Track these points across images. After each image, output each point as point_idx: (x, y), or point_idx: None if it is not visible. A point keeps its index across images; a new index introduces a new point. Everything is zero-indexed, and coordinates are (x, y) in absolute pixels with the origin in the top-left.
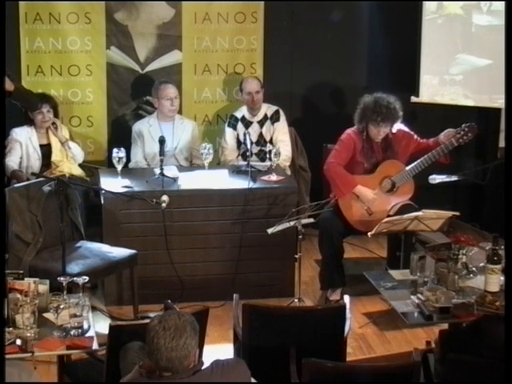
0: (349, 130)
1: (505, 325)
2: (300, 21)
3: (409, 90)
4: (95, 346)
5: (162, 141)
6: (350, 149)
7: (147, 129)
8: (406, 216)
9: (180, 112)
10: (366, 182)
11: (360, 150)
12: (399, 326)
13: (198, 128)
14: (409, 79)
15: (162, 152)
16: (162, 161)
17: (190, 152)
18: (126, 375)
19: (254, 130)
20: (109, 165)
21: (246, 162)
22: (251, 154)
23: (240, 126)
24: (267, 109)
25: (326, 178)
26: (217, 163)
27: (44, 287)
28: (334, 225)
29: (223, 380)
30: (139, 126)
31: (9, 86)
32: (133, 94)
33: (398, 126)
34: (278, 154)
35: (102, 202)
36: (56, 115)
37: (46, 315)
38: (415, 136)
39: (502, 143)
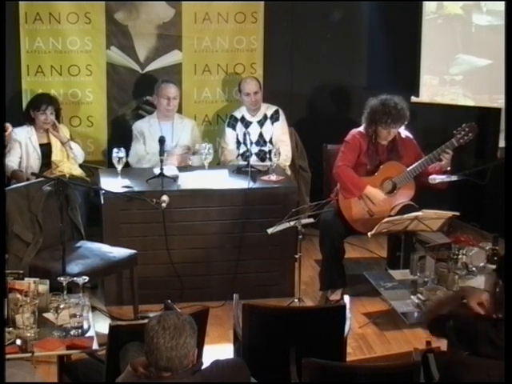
0: (354, 131)
1: (505, 325)
2: (300, 21)
3: (409, 90)
4: (95, 346)
5: (162, 141)
6: (356, 149)
7: (148, 128)
8: (406, 216)
9: (180, 112)
10: (367, 183)
11: (365, 151)
12: (399, 326)
13: (198, 128)
14: (409, 79)
15: (161, 152)
16: (162, 161)
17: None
18: None
19: (253, 130)
20: (109, 165)
21: (246, 162)
22: (251, 154)
23: (240, 126)
24: (267, 109)
25: (333, 179)
26: (217, 163)
27: (44, 287)
28: (334, 225)
29: (223, 380)
30: (140, 124)
31: None
32: (133, 94)
33: (408, 134)
34: (277, 154)
35: (102, 202)
36: (57, 117)
37: (45, 315)
38: (420, 152)
39: (502, 143)
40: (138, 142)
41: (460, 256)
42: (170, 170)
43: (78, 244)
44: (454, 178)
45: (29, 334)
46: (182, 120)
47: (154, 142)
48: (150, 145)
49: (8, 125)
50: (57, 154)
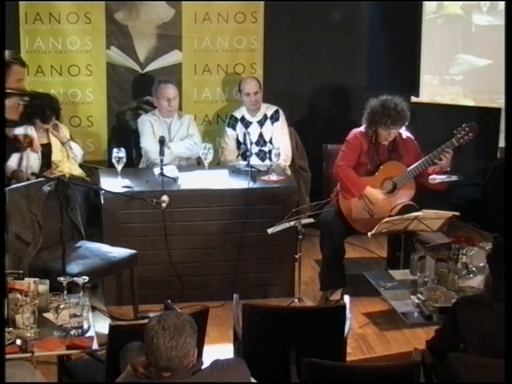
0: (355, 131)
1: (505, 325)
2: (300, 21)
3: (409, 90)
4: (95, 346)
5: (162, 141)
6: (357, 149)
7: (153, 122)
8: (406, 216)
9: (180, 111)
10: (367, 184)
11: (366, 151)
12: (399, 326)
13: (199, 128)
14: (409, 79)
15: (161, 152)
16: (162, 161)
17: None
18: None
19: (253, 130)
20: (109, 165)
21: (245, 162)
22: (251, 153)
23: (240, 126)
24: (267, 109)
25: (333, 179)
26: (217, 163)
27: (44, 287)
28: (334, 225)
29: (223, 380)
30: (146, 118)
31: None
32: (133, 94)
33: (409, 135)
34: (277, 154)
35: (102, 202)
36: (58, 117)
37: (45, 315)
38: (420, 152)
39: (501, 143)
40: (146, 133)
41: (460, 256)
42: (170, 170)
43: (78, 244)
44: (454, 178)
45: (29, 334)
46: (181, 116)
47: (160, 134)
48: (158, 135)
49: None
50: (57, 154)
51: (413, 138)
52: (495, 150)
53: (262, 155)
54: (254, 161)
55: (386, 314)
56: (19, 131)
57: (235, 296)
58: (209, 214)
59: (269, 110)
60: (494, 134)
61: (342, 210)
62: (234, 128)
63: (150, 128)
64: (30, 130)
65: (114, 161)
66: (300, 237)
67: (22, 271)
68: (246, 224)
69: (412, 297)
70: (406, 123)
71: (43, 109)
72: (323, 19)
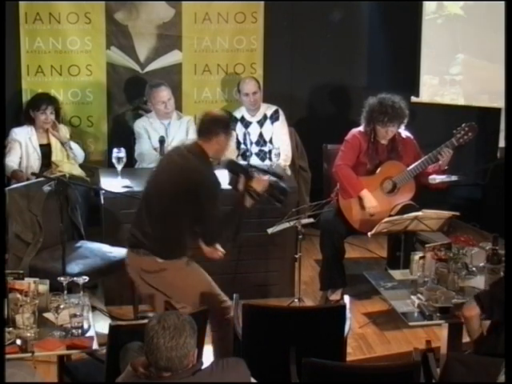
0: (354, 131)
1: (505, 325)
2: (300, 21)
3: (409, 90)
4: (95, 346)
5: (162, 141)
6: (356, 149)
7: (149, 125)
8: (405, 216)
9: (180, 111)
10: (367, 183)
11: (365, 150)
12: (399, 325)
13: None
14: (409, 79)
15: (161, 152)
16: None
17: None
18: None
19: (253, 130)
20: (109, 165)
21: (245, 162)
22: (251, 153)
23: (239, 126)
24: (266, 108)
25: (333, 179)
26: (217, 163)
27: (44, 287)
28: (335, 225)
29: (223, 380)
30: (142, 123)
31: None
32: (133, 94)
33: (408, 134)
34: (277, 154)
35: (102, 202)
36: (57, 117)
37: (46, 315)
38: (420, 152)
39: (501, 143)
40: (142, 139)
41: (460, 256)
42: None
43: (78, 244)
44: (454, 177)
45: (29, 334)
46: (180, 117)
47: (157, 139)
48: (155, 140)
49: None
50: (57, 155)
51: (412, 137)
52: (495, 150)
53: (261, 155)
54: (254, 161)
55: (385, 314)
56: (19, 131)
57: (235, 296)
58: None
59: (268, 109)
60: (494, 134)
61: (342, 209)
62: (233, 128)
63: (144, 133)
64: (31, 130)
65: (114, 161)
66: (300, 237)
67: (22, 271)
68: (246, 224)
69: (412, 297)
70: (404, 121)
71: (284, 193)
72: (323, 19)
